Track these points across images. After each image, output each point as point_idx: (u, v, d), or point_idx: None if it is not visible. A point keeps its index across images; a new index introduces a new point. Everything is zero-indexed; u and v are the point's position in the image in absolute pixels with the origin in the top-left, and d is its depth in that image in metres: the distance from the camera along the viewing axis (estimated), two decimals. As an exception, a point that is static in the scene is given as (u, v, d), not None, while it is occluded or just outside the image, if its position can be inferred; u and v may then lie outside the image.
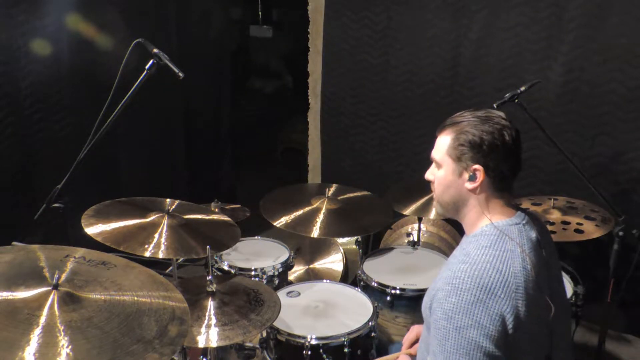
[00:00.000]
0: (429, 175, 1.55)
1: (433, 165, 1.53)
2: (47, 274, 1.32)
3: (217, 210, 2.70)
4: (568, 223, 2.38)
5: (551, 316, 1.37)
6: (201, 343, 1.76)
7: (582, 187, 2.63)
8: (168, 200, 2.25)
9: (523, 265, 1.35)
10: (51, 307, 1.22)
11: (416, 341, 1.86)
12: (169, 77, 2.04)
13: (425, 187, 2.79)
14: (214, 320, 1.83)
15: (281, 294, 2.32)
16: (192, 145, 4.10)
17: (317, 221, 2.46)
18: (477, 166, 1.41)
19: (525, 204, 2.59)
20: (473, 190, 1.44)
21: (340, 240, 3.14)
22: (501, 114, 1.45)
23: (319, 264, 3.13)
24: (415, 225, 2.98)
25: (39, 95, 2.97)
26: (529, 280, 1.34)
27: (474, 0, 3.08)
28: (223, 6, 4.31)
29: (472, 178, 1.42)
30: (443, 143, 1.47)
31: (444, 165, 1.47)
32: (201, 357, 2.18)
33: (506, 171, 1.42)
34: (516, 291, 1.31)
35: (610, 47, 2.78)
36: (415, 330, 1.88)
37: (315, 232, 2.41)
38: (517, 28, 2.99)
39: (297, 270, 3.09)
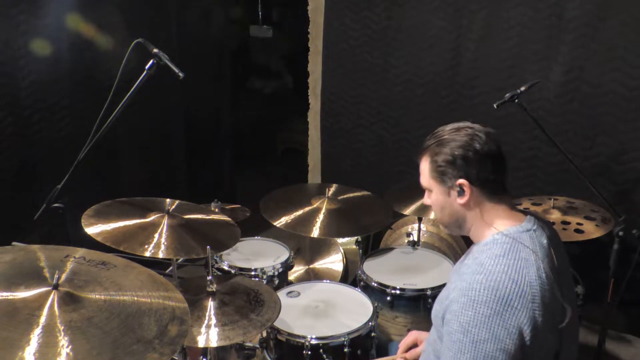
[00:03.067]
0: (426, 200, 1.58)
1: (427, 192, 1.55)
2: (47, 274, 1.32)
3: (217, 210, 2.70)
4: (568, 223, 2.38)
5: (566, 321, 1.36)
6: (201, 343, 1.76)
7: (582, 187, 2.63)
8: (168, 200, 2.25)
9: (538, 273, 1.33)
10: (51, 307, 1.22)
11: (413, 346, 1.86)
12: (169, 77, 2.04)
13: (425, 187, 2.81)
14: (214, 320, 1.83)
15: (281, 294, 2.32)
16: (192, 145, 4.10)
17: (317, 221, 2.46)
18: (460, 181, 1.42)
19: (525, 204, 2.59)
20: (466, 205, 1.45)
21: (340, 240, 3.14)
22: (468, 123, 1.47)
23: (319, 264, 3.13)
24: (415, 225, 2.98)
25: (39, 95, 2.97)
26: (545, 289, 1.32)
27: (474, 0, 3.08)
28: (223, 6, 4.31)
29: (461, 193, 1.44)
30: (424, 168, 1.51)
31: (433, 189, 1.50)
32: (201, 357, 2.18)
33: (490, 176, 1.42)
34: (532, 301, 1.29)
35: (610, 47, 2.78)
36: (413, 335, 1.87)
37: (315, 232, 2.41)
38: (517, 28, 2.99)
39: (297, 270, 3.09)
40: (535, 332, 1.29)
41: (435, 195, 1.50)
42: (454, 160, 1.42)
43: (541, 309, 1.30)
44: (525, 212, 1.49)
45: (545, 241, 1.42)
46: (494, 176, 1.43)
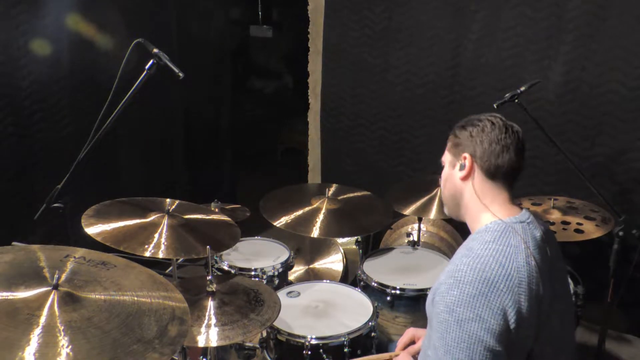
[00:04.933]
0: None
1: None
2: (47, 274, 1.32)
3: (217, 210, 2.70)
4: (568, 223, 2.38)
5: (544, 313, 1.37)
6: (201, 343, 1.76)
7: (582, 187, 2.63)
8: (168, 200, 2.25)
9: (527, 260, 1.35)
10: (51, 307, 1.22)
11: (410, 344, 1.87)
12: (169, 77, 2.04)
13: (425, 187, 2.81)
14: (214, 320, 1.83)
15: (281, 294, 2.32)
16: (192, 145, 4.10)
17: (317, 221, 2.46)
18: (464, 154, 1.49)
19: (525, 204, 2.59)
20: (464, 179, 1.49)
21: (340, 240, 3.14)
22: (502, 117, 1.53)
23: (319, 264, 3.13)
24: (415, 225, 2.98)
25: (39, 95, 2.97)
26: (532, 276, 1.34)
27: (474, 0, 3.08)
28: (223, 6, 4.31)
29: (462, 167, 1.49)
30: (448, 143, 1.57)
31: (446, 161, 1.57)
32: (201, 357, 2.18)
33: (495, 160, 1.46)
34: (519, 285, 1.31)
35: (610, 47, 2.78)
36: (410, 333, 1.88)
37: (315, 232, 2.41)
38: (517, 28, 2.99)
39: (297, 270, 3.09)
40: (519, 316, 1.30)
41: (445, 167, 1.57)
42: (469, 134, 1.48)
43: (527, 294, 1.31)
44: (522, 207, 1.51)
45: (538, 234, 1.44)
46: (501, 162, 1.47)
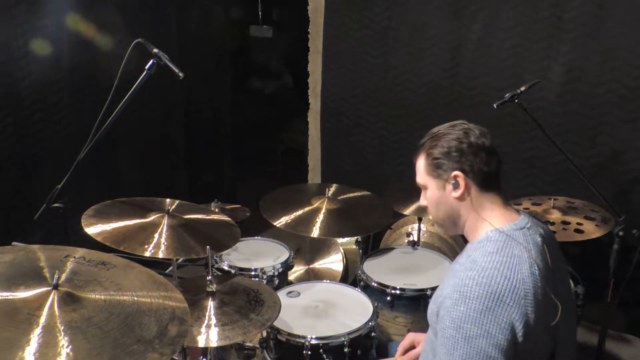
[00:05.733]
0: (422, 201, 1.59)
1: (423, 190, 1.57)
2: (47, 274, 1.32)
3: (217, 210, 2.70)
4: (568, 223, 2.38)
5: (557, 319, 1.36)
6: (201, 343, 1.76)
7: (582, 187, 2.63)
8: (168, 200, 2.25)
9: (531, 270, 1.34)
10: (51, 307, 1.22)
11: (410, 348, 1.87)
12: (169, 77, 2.04)
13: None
14: (214, 320, 1.83)
15: (281, 294, 2.31)
16: (192, 145, 4.10)
17: (317, 221, 2.46)
18: (455, 173, 1.44)
19: (525, 204, 2.59)
20: (460, 198, 1.46)
21: (340, 240, 3.14)
22: (464, 121, 1.50)
23: (319, 264, 3.13)
24: (415, 225, 2.98)
25: (39, 95, 2.97)
26: (537, 285, 1.33)
27: (474, 0, 3.08)
28: (223, 6, 4.31)
29: (455, 186, 1.45)
30: (420, 166, 1.53)
31: (428, 185, 1.51)
32: (201, 357, 2.18)
33: (484, 167, 1.44)
34: (525, 297, 1.30)
35: (610, 47, 2.78)
36: (410, 337, 1.89)
37: (315, 232, 2.41)
38: (517, 28, 2.99)
39: (297, 270, 3.09)
40: (527, 328, 1.29)
41: (430, 191, 1.51)
42: (449, 152, 1.44)
43: (533, 305, 1.31)
44: (519, 211, 1.50)
45: (539, 239, 1.43)
46: (488, 168, 1.45)
